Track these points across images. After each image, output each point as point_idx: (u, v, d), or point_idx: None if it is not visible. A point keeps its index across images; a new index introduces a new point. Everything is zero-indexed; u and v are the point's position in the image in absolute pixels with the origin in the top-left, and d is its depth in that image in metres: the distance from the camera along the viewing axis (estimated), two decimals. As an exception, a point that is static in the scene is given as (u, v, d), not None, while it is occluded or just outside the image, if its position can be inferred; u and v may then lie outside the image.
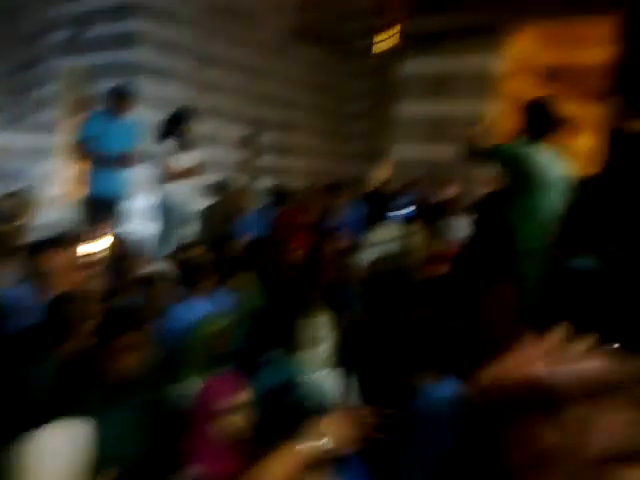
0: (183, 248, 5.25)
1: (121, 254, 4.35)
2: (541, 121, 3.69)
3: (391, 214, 4.53)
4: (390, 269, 4.05)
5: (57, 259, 3.60)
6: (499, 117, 8.91)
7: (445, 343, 2.70)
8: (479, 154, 4.07)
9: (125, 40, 10.26)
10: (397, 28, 12.52)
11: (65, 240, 4.35)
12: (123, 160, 5.88)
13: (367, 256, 4.11)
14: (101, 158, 5.80)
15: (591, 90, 11.28)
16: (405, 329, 2.96)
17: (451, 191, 7.66)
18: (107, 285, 3.88)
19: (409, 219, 4.75)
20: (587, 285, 3.25)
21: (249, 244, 4.88)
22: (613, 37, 7.71)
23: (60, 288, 3.42)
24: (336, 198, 6.22)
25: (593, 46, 8.91)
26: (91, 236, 5.51)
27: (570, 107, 10.69)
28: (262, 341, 3.53)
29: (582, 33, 8.84)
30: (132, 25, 10.13)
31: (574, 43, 9.27)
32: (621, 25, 7.60)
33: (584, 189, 4.02)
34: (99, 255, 4.12)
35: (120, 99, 5.91)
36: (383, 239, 4.12)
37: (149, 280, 3.85)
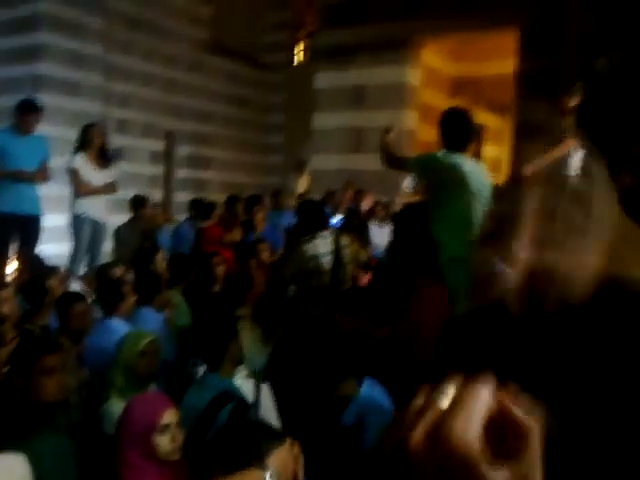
0: (101, 268, 5.09)
1: (36, 274, 4.16)
2: (461, 132, 3.76)
3: (327, 224, 4.51)
4: (325, 282, 4.04)
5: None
6: (413, 126, 9.17)
7: (371, 352, 2.72)
8: (396, 162, 4.11)
9: (29, 53, 9.88)
10: (311, 41, 12.69)
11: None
12: (32, 176, 5.63)
13: (306, 266, 4.05)
14: (8, 175, 5.55)
15: (495, 101, 11.78)
16: (331, 340, 2.97)
17: (369, 201, 7.81)
18: (21, 307, 3.70)
19: (339, 230, 4.77)
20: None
21: (173, 261, 4.77)
22: (515, 50, 8.09)
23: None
24: (257, 211, 6.20)
25: (496, 58, 9.31)
26: (4, 256, 5.28)
27: (477, 117, 11.11)
28: (190, 359, 3.46)
29: (486, 46, 9.20)
30: (36, 37, 9.77)
31: (478, 56, 9.65)
32: (522, 38, 7.98)
33: (498, 196, 4.16)
34: (11, 276, 3.93)
35: (27, 115, 5.67)
36: (320, 251, 4.08)
37: (67, 301, 3.69)
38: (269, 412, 2.93)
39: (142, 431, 2.22)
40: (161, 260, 4.82)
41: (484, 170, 3.86)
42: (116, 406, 2.90)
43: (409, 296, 3.30)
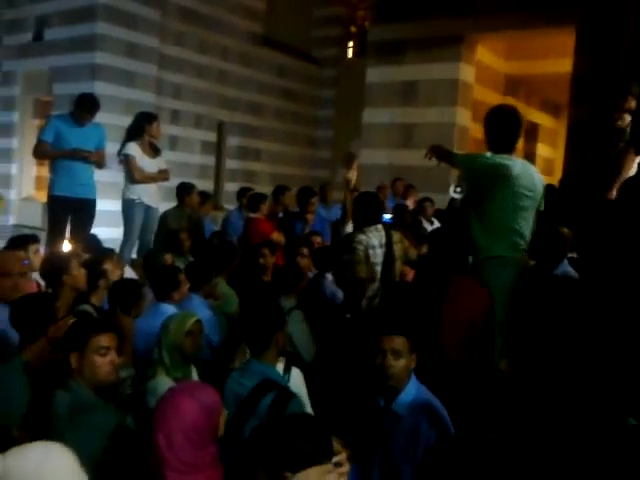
0: (151, 254, 5.18)
1: (93, 256, 4.26)
2: (508, 131, 3.66)
3: (383, 218, 4.48)
4: (374, 275, 4.03)
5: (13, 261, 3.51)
6: (466, 124, 9.08)
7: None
8: (445, 154, 4.02)
9: (86, 43, 10.12)
10: (363, 36, 12.65)
11: (24, 242, 4.28)
12: (89, 155, 5.75)
13: (359, 258, 4.04)
14: (66, 154, 5.69)
15: (549, 100, 11.57)
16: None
17: (413, 199, 7.76)
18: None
19: (390, 225, 4.74)
20: (566, 291, 3.29)
21: (222, 249, 4.81)
22: (572, 49, 7.92)
23: (13, 290, 3.36)
24: (311, 204, 6.17)
25: (553, 57, 9.15)
26: (59, 238, 5.42)
27: (531, 116, 10.95)
28: (236, 346, 3.50)
29: (542, 45, 9.05)
30: (94, 27, 10.00)
31: (533, 54, 9.50)
32: (578, 37, 7.81)
33: (550, 197, 4.07)
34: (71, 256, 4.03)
35: (85, 112, 5.79)
36: (373, 243, 4.07)
37: (121, 283, 3.78)
38: (300, 396, 2.93)
39: (211, 418, 2.20)
40: (211, 249, 4.86)
41: (535, 170, 3.76)
42: (162, 383, 2.95)
43: (442, 294, 3.27)
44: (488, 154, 3.71)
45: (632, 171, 4.62)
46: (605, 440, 1.71)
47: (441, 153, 4.00)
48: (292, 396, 2.66)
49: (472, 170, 3.82)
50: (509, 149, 3.65)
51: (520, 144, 3.90)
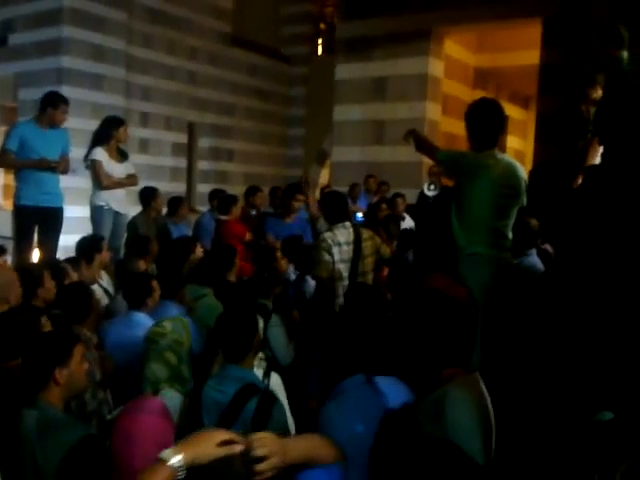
0: (124, 261, 5.10)
1: (57, 265, 4.19)
2: (491, 126, 3.59)
3: (353, 216, 4.47)
4: (341, 273, 4.02)
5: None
6: (436, 118, 9.11)
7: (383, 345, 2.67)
8: (427, 147, 3.95)
9: (52, 47, 9.97)
10: (332, 33, 12.63)
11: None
12: (55, 165, 5.64)
13: (326, 257, 4.02)
14: (32, 164, 5.57)
15: (518, 92, 11.66)
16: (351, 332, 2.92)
17: (382, 194, 7.76)
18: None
19: (361, 223, 4.74)
20: (532, 282, 3.30)
21: (206, 260, 4.70)
22: (540, 41, 7.98)
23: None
24: (295, 199, 6.11)
25: (521, 49, 9.21)
26: (27, 248, 5.33)
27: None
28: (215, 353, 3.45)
29: (510, 37, 9.10)
30: (60, 31, 9.85)
31: (501, 47, 9.55)
32: (545, 29, 7.87)
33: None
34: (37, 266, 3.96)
35: (57, 105, 5.66)
36: (341, 240, 4.06)
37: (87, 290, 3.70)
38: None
39: (171, 420, 2.21)
40: (186, 254, 4.78)
41: (518, 167, 3.69)
42: (170, 396, 2.87)
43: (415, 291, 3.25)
44: (470, 154, 3.67)
45: (596, 161, 4.63)
46: (576, 435, 1.71)
47: (421, 143, 3.92)
48: (275, 400, 2.63)
49: (453, 169, 3.78)
50: (491, 144, 3.59)
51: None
